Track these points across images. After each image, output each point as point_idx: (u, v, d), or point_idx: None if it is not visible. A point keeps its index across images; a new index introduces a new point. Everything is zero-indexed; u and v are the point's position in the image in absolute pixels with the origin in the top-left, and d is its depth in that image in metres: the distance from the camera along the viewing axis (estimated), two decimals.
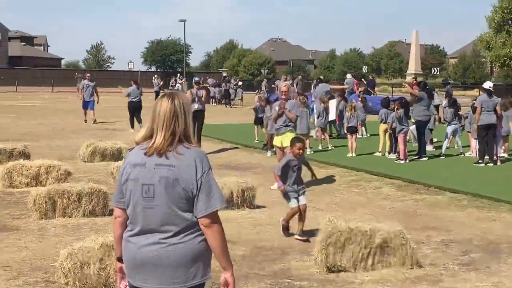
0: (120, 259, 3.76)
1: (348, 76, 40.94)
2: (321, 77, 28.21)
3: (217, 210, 3.53)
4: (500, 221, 9.97)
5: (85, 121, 26.73)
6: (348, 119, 17.45)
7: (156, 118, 3.58)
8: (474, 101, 17.83)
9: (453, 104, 17.91)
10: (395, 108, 16.11)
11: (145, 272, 3.54)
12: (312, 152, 17.39)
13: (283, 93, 12.80)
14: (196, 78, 17.95)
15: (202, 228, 3.52)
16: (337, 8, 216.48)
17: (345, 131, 17.53)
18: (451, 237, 8.93)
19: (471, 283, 6.97)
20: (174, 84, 49.27)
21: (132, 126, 23.18)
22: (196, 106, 16.57)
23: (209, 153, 16.93)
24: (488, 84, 16.32)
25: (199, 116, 16.66)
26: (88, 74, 30.97)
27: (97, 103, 27.41)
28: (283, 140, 12.32)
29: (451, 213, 10.50)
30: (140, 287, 3.58)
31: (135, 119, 23.35)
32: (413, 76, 44.27)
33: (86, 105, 27.16)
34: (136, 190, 3.56)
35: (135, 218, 3.58)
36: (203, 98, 17.01)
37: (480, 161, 15.69)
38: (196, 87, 17.25)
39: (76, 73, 60.38)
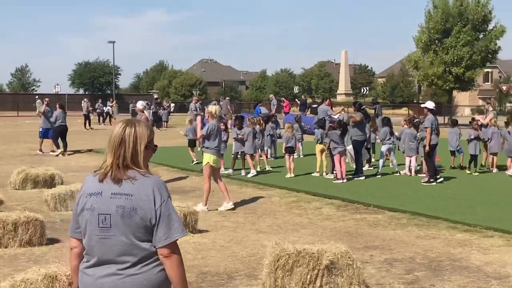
0: None
1: (271, 96, 42.67)
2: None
3: (176, 240, 3.45)
4: (440, 238, 10.13)
5: (40, 150, 23.41)
6: (287, 139, 17.50)
7: (108, 144, 3.53)
8: (405, 120, 18.37)
9: (387, 123, 18.24)
10: (330, 128, 16.36)
11: None
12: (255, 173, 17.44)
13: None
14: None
15: (161, 258, 3.45)
16: (266, 29, 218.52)
17: (284, 152, 17.58)
18: (394, 256, 9.02)
19: None
20: (99, 107, 47.65)
21: (58, 147, 23.31)
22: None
23: None
24: (431, 104, 16.44)
25: None
26: (47, 99, 26.24)
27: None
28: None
29: (391, 232, 10.61)
30: None
31: (60, 141, 23.38)
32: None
33: (47, 133, 23.67)
34: (92, 220, 3.45)
35: (92, 249, 3.47)
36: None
37: (437, 176, 15.95)
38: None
39: (36, 97, 60.74)
